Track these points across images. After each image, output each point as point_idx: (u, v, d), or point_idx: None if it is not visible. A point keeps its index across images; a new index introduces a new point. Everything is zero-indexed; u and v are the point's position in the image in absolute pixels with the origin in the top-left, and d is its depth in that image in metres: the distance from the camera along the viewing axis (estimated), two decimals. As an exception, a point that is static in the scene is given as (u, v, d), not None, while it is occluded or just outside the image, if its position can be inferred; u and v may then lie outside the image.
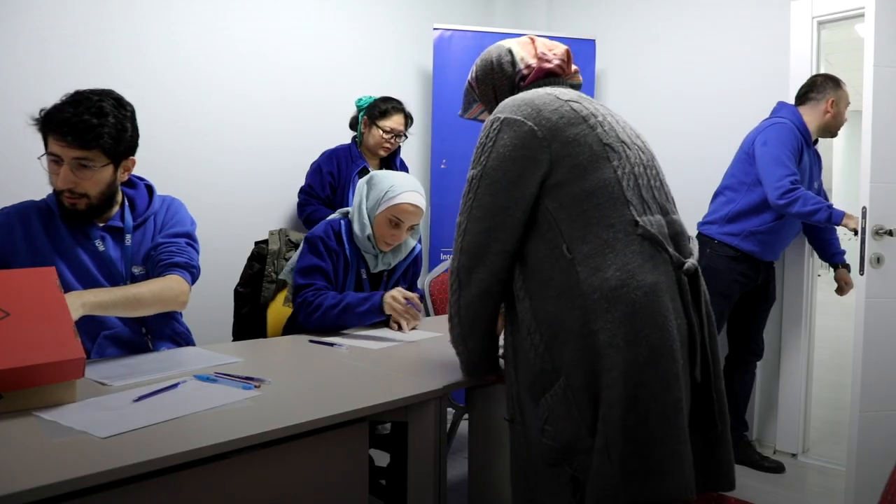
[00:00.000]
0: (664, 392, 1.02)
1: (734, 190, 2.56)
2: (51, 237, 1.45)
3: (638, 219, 1.08)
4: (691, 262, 1.11)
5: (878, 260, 2.14)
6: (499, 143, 1.13)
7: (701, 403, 1.12)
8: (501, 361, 1.31)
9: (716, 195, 2.67)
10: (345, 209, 1.97)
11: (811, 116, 2.54)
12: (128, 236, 1.53)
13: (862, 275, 2.13)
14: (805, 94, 2.57)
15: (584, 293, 1.05)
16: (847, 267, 2.79)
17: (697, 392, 1.11)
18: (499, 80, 1.29)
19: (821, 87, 2.53)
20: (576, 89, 1.27)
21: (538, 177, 1.12)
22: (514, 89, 1.28)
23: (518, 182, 1.12)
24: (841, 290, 2.83)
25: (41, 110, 1.38)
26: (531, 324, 1.11)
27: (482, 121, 1.37)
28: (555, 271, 1.10)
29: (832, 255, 2.76)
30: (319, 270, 1.81)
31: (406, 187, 1.83)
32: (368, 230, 1.83)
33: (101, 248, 1.49)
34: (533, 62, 1.27)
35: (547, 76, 1.27)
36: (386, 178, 1.86)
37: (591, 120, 1.14)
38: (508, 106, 1.16)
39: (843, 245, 2.77)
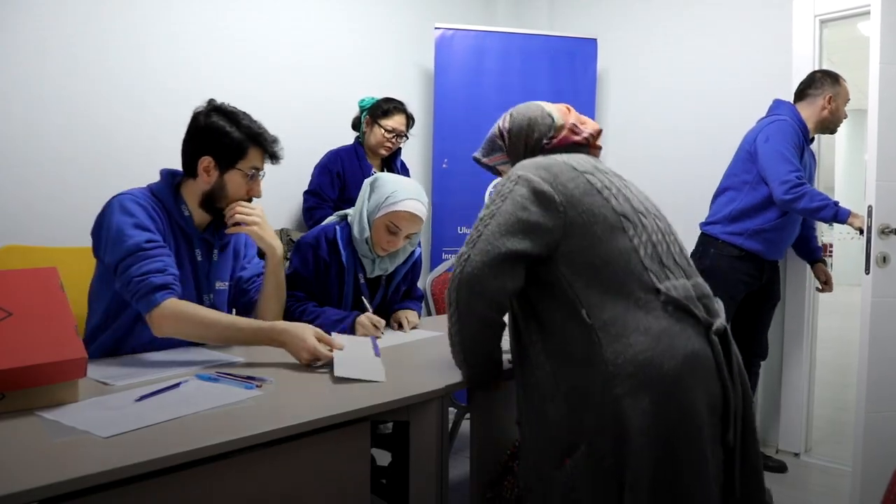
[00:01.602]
0: (694, 456, 1.01)
1: (736, 189, 2.53)
2: (168, 232, 1.49)
3: (659, 286, 1.08)
4: (720, 322, 1.10)
5: (884, 259, 2.13)
6: (517, 193, 1.14)
7: (729, 468, 1.10)
8: (506, 358, 1.31)
9: (717, 195, 2.63)
10: (342, 212, 1.95)
11: (808, 113, 2.51)
12: (215, 251, 1.60)
13: (868, 274, 2.12)
14: (803, 91, 2.55)
15: (606, 360, 1.04)
16: (823, 262, 2.76)
17: (728, 457, 1.09)
18: (535, 137, 1.30)
19: (819, 83, 2.51)
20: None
21: (546, 238, 1.12)
22: (540, 149, 1.29)
23: (527, 231, 1.11)
24: (828, 285, 2.72)
25: (217, 124, 1.47)
26: (552, 389, 1.10)
27: (494, 169, 1.40)
28: (574, 337, 1.09)
29: (812, 251, 2.73)
30: (301, 279, 1.80)
31: (408, 194, 1.76)
32: (367, 233, 1.78)
33: (200, 257, 1.56)
34: (565, 132, 1.29)
35: (571, 146, 1.29)
36: (389, 183, 1.80)
37: (605, 192, 1.15)
38: (529, 166, 1.18)
39: (847, 245, 2.76)
